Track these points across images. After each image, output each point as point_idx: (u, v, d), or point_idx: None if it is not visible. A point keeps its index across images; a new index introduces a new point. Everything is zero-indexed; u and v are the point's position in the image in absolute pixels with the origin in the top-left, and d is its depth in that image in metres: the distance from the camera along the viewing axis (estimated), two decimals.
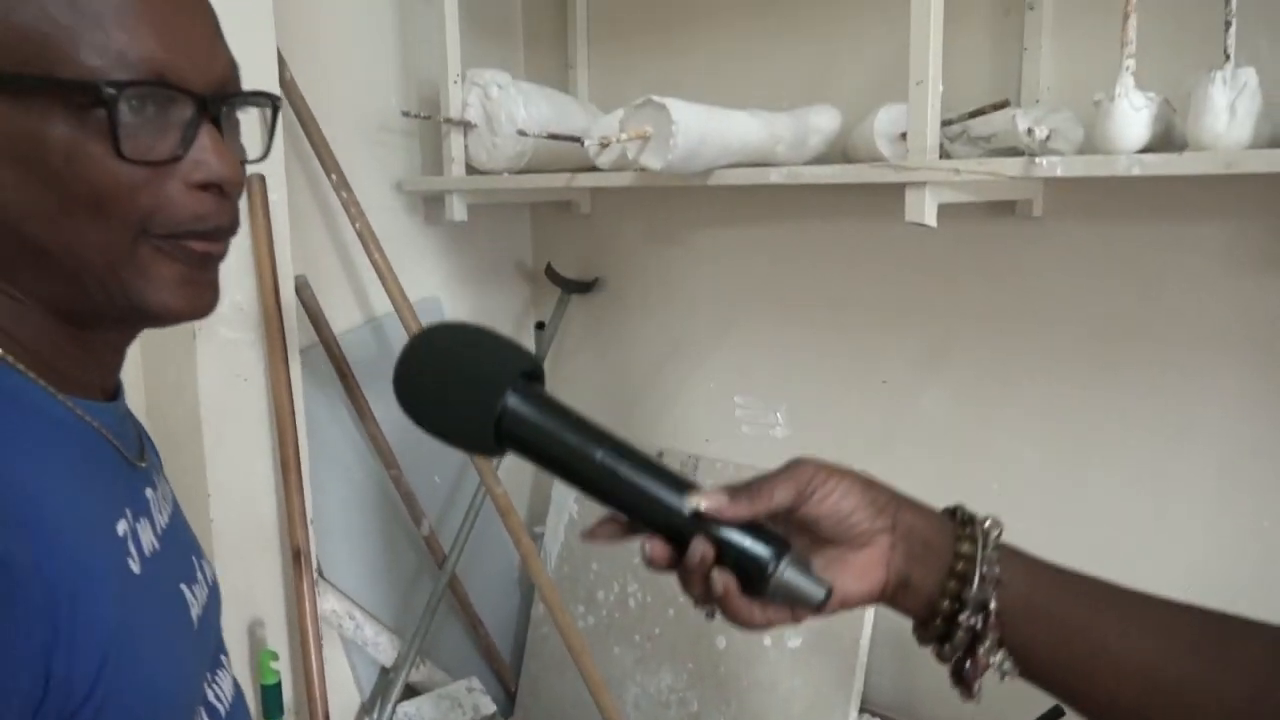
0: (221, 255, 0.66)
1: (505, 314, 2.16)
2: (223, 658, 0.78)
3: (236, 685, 0.79)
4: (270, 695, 1.49)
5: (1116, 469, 1.47)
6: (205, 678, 0.71)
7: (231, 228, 0.66)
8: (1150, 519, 1.45)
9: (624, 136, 1.35)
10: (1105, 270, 1.44)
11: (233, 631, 1.54)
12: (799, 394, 1.83)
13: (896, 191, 1.27)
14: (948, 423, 1.64)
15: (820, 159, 1.53)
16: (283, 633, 1.60)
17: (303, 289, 1.66)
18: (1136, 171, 1.07)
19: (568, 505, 2.15)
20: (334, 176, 1.65)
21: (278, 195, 1.53)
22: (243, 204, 1.43)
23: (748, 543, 0.62)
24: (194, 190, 0.61)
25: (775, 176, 1.37)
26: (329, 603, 1.81)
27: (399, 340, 1.80)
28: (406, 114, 1.75)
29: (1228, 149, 1.05)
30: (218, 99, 0.62)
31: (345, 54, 1.82)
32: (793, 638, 1.78)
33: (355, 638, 1.87)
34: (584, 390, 2.16)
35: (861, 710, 1.73)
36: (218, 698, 0.72)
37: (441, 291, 2.02)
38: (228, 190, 0.63)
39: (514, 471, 2.20)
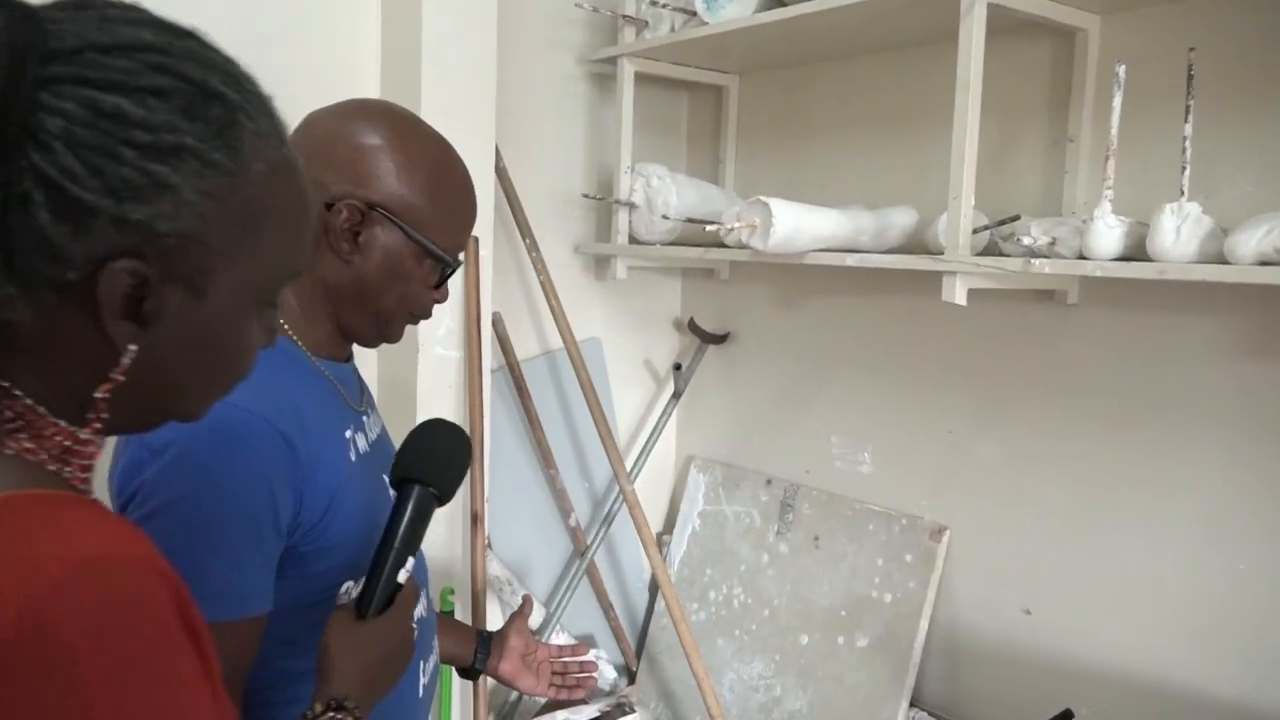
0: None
1: (652, 355, 2.64)
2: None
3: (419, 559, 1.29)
4: (446, 619, 2.00)
5: (1124, 513, 1.79)
6: None
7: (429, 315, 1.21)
8: (1148, 557, 1.75)
9: (738, 224, 1.81)
10: (1123, 351, 1.77)
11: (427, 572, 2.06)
12: (882, 437, 2.21)
13: (946, 279, 1.67)
14: (995, 467, 1.99)
15: (897, 249, 1.94)
16: (461, 576, 2.10)
17: (497, 323, 2.19)
18: (1098, 274, 1.44)
19: (692, 519, 2.59)
20: (527, 240, 2.19)
21: (486, 252, 2.07)
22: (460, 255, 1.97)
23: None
24: (433, 303, 1.17)
25: (850, 261, 1.79)
26: (494, 569, 2.32)
27: (566, 369, 2.31)
28: (586, 195, 2.28)
29: (1173, 262, 1.40)
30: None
31: (545, 146, 2.37)
32: (862, 638, 2.15)
33: (510, 602, 2.37)
34: (713, 422, 2.61)
35: (912, 705, 2.07)
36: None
37: (603, 334, 2.53)
38: (441, 303, 1.19)
39: (652, 484, 2.66)
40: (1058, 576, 1.89)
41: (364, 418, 1.20)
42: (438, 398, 2.06)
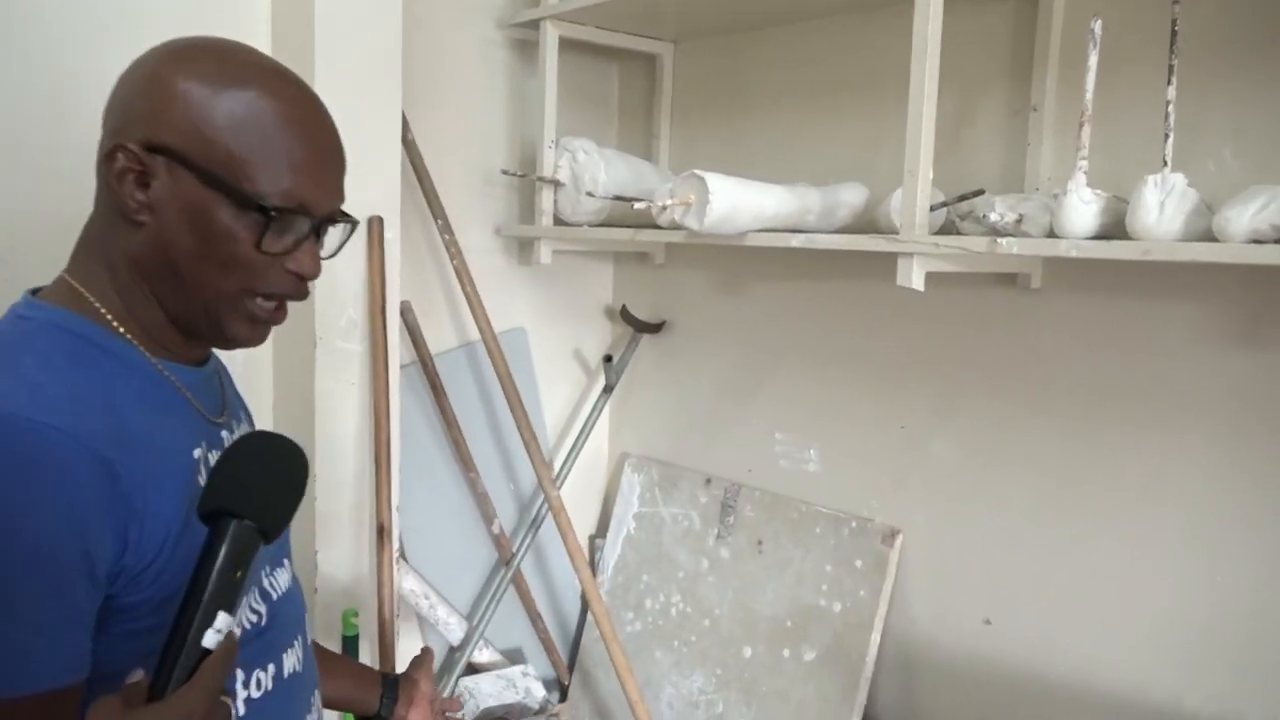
0: (283, 318, 0.96)
1: (582, 346, 2.45)
2: (285, 560, 1.06)
3: (294, 581, 1.07)
4: (349, 646, 1.79)
5: (1096, 514, 1.64)
6: (264, 570, 1.00)
7: (300, 298, 0.95)
8: (1122, 562, 1.61)
9: (671, 202, 1.62)
10: (1094, 339, 1.62)
11: (324, 590, 1.85)
12: (830, 434, 2.04)
13: (902, 261, 1.50)
14: (954, 466, 1.84)
15: (845, 229, 1.77)
16: (366, 597, 1.90)
17: (406, 312, 1.98)
18: (1074, 254, 1.28)
19: (626, 521, 2.40)
20: (440, 221, 1.98)
21: (392, 234, 1.85)
22: (361, 238, 1.78)
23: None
24: (288, 274, 0.91)
25: (795, 241, 1.62)
26: (410, 583, 2.11)
27: (486, 363, 2.10)
28: (505, 172, 2.08)
29: (1157, 240, 1.25)
30: (325, 221, 0.93)
31: (463, 118, 2.16)
32: (809, 651, 1.99)
33: (429, 616, 2.16)
34: (648, 417, 2.42)
35: None
36: (272, 586, 1.00)
37: (529, 323, 2.33)
38: (306, 279, 0.93)
39: (583, 485, 2.47)
40: (1021, 584, 1.74)
41: (223, 432, 0.98)
42: (340, 397, 1.84)
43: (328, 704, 1.22)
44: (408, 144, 1.95)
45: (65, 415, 0.78)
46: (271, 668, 0.98)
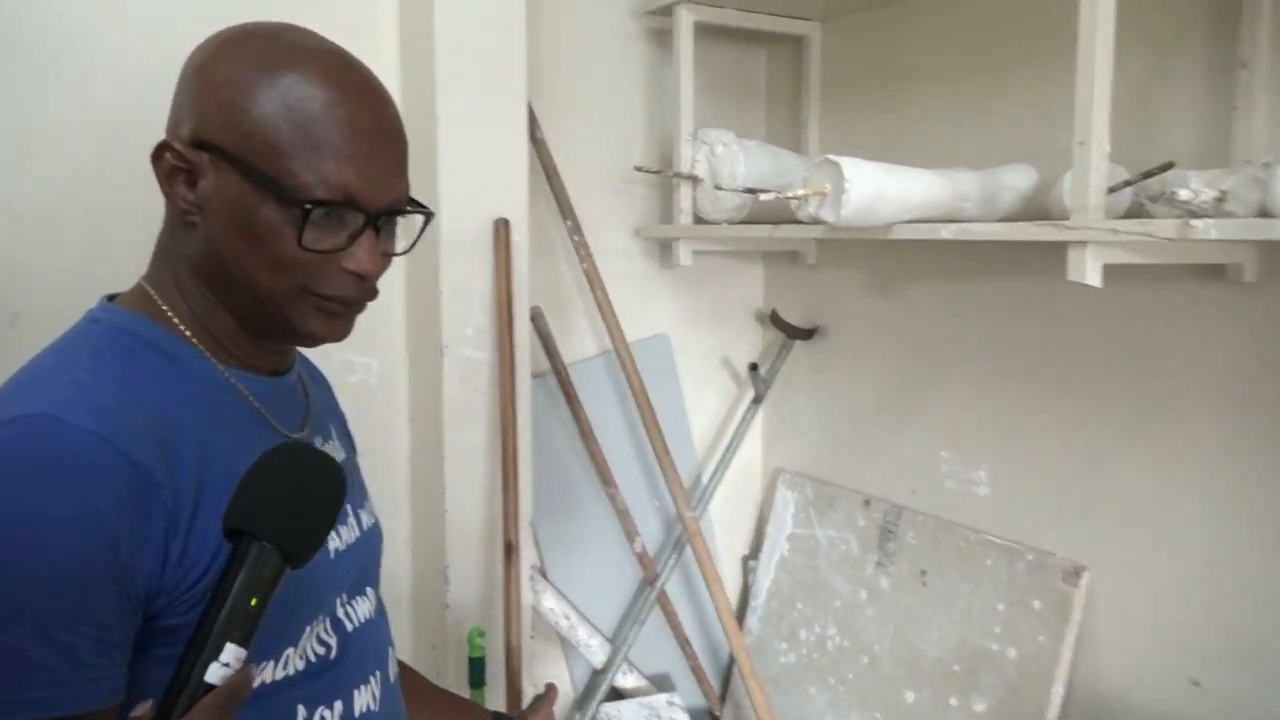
0: (358, 310, 0.87)
1: (730, 353, 2.29)
2: (368, 589, 0.97)
3: (379, 612, 0.98)
4: (475, 667, 1.71)
5: None
6: (340, 599, 0.91)
7: (368, 297, 0.86)
8: None
9: (803, 192, 1.45)
10: None
11: (455, 608, 1.79)
12: (1002, 453, 1.80)
13: (1072, 251, 1.27)
14: (1151, 493, 1.56)
15: (1010, 217, 1.54)
16: (497, 615, 1.82)
17: (537, 318, 1.89)
18: None
19: (780, 543, 2.23)
20: (569, 222, 1.88)
21: (519, 236, 1.77)
22: (487, 242, 1.70)
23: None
24: (345, 273, 0.83)
25: (946, 233, 1.41)
26: (548, 601, 2.02)
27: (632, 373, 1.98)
28: (639, 169, 1.95)
29: None
30: (382, 213, 0.83)
31: (599, 114, 2.05)
32: (979, 701, 1.75)
33: (570, 637, 2.07)
34: (802, 430, 2.24)
35: None
36: (348, 616, 0.92)
37: (672, 329, 2.19)
38: (367, 278, 0.84)
39: (736, 501, 2.32)
40: (1241, 639, 1.45)
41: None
42: (468, 406, 1.78)
43: None
44: (537, 143, 1.86)
45: (107, 421, 0.72)
46: (339, 705, 0.89)
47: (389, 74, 1.74)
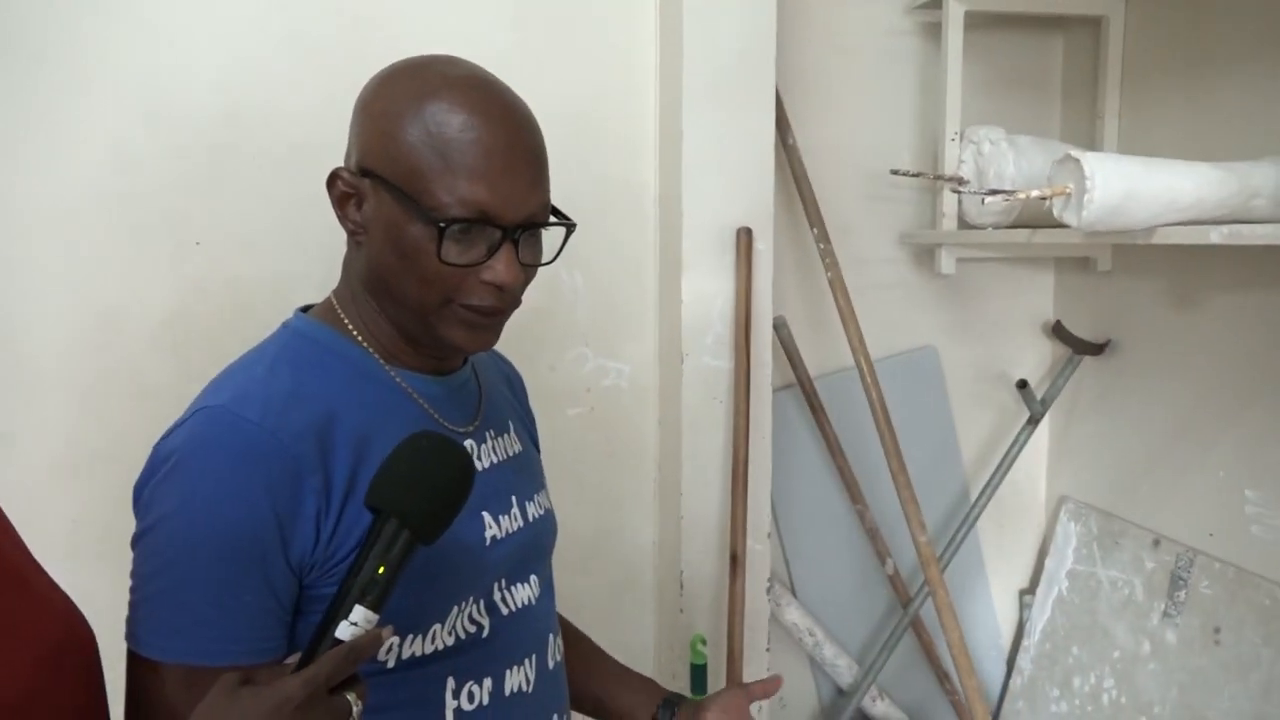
0: (500, 320, 0.92)
1: (1009, 368, 2.11)
2: (533, 576, 1.02)
3: (543, 600, 1.02)
4: (696, 674, 1.72)
5: None
6: (499, 583, 0.96)
7: (510, 308, 0.92)
8: None
9: (1040, 193, 1.31)
10: None
11: (688, 611, 1.80)
12: None
13: None
14: None
15: None
16: (724, 624, 1.81)
17: (780, 328, 1.86)
18: None
19: (1059, 578, 2.02)
20: (815, 230, 1.82)
21: (763, 245, 1.75)
22: (729, 251, 1.71)
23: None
24: (485, 284, 0.88)
25: (1215, 236, 1.20)
26: (793, 615, 1.98)
27: (889, 383, 1.87)
28: (895, 172, 1.85)
29: None
30: (520, 227, 0.88)
31: (864, 115, 1.97)
32: None
33: (814, 654, 2.01)
34: (1088, 456, 2.01)
35: None
36: (504, 600, 0.97)
37: (939, 341, 2.06)
38: (505, 288, 0.89)
39: (1014, 528, 2.14)
40: None
41: (469, 440, 0.98)
42: (707, 414, 1.79)
43: (581, 705, 1.16)
44: (788, 148, 1.83)
45: (271, 413, 0.83)
46: (489, 682, 0.95)
47: (647, 91, 1.79)
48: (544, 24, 1.71)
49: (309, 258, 1.54)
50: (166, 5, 1.53)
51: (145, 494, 0.86)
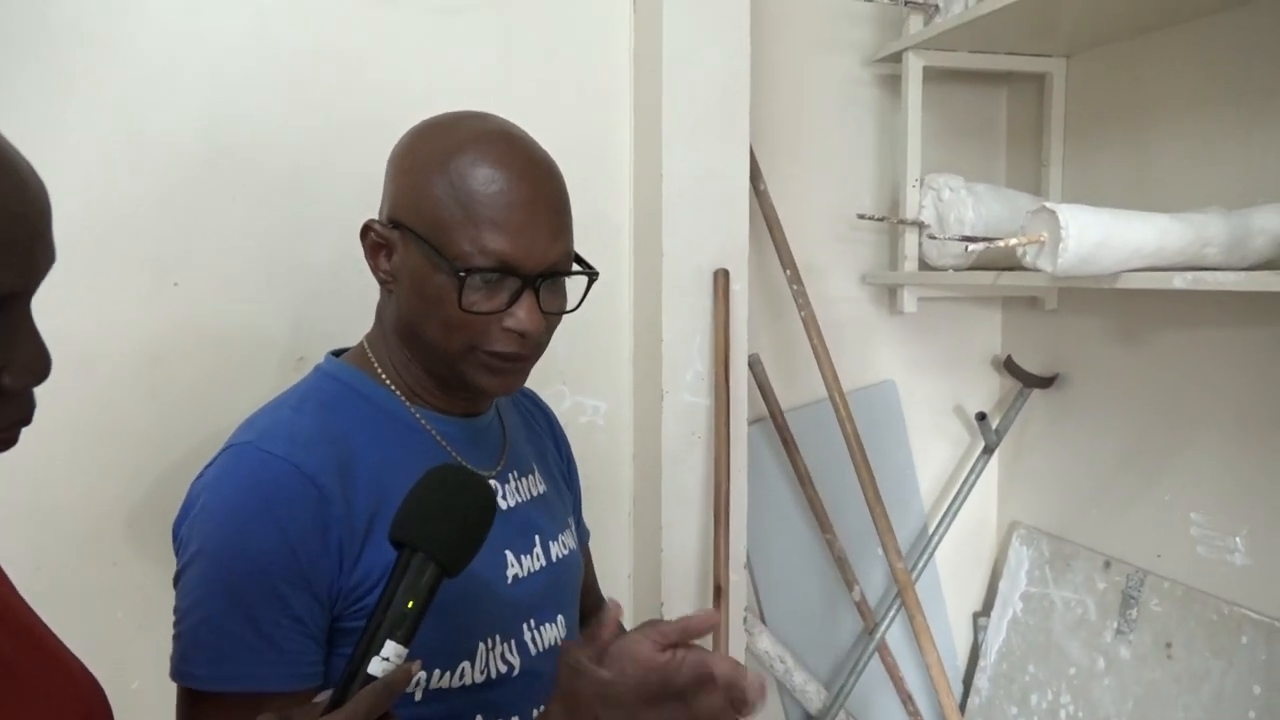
0: (524, 366, 0.96)
1: (963, 401, 2.22)
2: (559, 616, 1.05)
3: (569, 640, 1.06)
4: None
5: None
6: (528, 623, 1.00)
7: (533, 356, 0.96)
8: None
9: (1015, 241, 1.41)
10: None
11: None
12: (1263, 519, 1.63)
13: None
14: None
15: (1265, 262, 1.41)
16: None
17: (754, 365, 1.93)
18: None
19: (1013, 601, 2.12)
20: (789, 271, 1.91)
21: (739, 286, 1.82)
22: (707, 291, 1.76)
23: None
24: (507, 331, 0.92)
25: (1179, 282, 1.31)
26: (764, 644, 2.04)
27: (856, 417, 1.96)
28: (861, 217, 1.95)
29: None
30: (541, 276, 0.92)
31: (827, 162, 2.06)
32: None
33: (785, 681, 2.07)
34: (1039, 483, 2.13)
35: None
36: (533, 640, 1.00)
37: (899, 375, 2.16)
38: (527, 335, 0.92)
39: (969, 553, 2.23)
40: None
41: (492, 481, 1.02)
42: (686, 450, 1.84)
43: None
44: (760, 194, 1.91)
45: (297, 449, 0.87)
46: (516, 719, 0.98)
47: (622, 138, 1.85)
48: (524, 68, 1.75)
49: (286, 299, 1.55)
50: (147, 42, 1.51)
51: (182, 532, 0.90)
